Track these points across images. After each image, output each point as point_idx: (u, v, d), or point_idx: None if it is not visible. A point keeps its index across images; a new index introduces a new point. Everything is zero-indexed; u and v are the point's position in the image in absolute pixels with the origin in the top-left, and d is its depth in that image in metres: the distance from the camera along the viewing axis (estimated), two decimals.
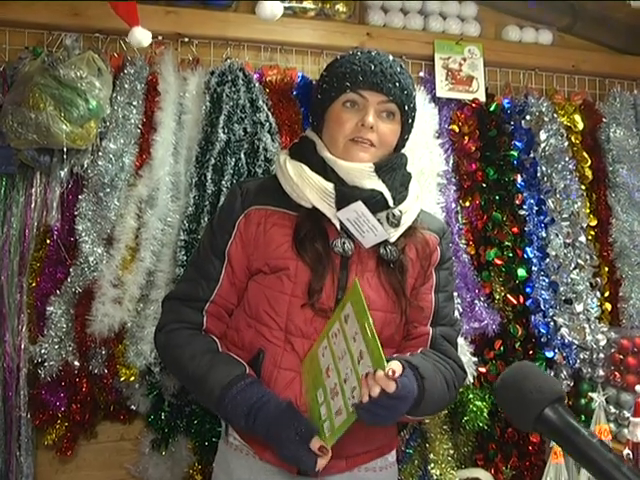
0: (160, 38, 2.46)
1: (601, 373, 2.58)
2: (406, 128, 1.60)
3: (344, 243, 1.50)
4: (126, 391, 2.35)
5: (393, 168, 1.56)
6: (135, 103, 2.33)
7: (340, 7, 2.82)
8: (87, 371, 2.26)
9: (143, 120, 2.35)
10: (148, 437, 2.41)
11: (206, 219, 2.29)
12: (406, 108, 1.56)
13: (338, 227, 1.51)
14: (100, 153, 2.26)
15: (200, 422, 2.35)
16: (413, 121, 1.62)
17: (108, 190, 2.24)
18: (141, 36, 2.09)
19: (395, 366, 1.28)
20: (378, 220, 1.50)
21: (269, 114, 2.46)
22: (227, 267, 1.57)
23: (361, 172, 1.51)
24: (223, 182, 2.33)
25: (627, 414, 2.47)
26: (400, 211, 1.54)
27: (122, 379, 2.26)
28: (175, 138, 2.38)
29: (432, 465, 2.58)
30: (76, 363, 2.23)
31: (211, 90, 2.40)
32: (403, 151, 1.65)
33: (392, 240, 1.54)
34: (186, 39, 2.54)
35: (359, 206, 1.47)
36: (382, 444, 1.62)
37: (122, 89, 2.32)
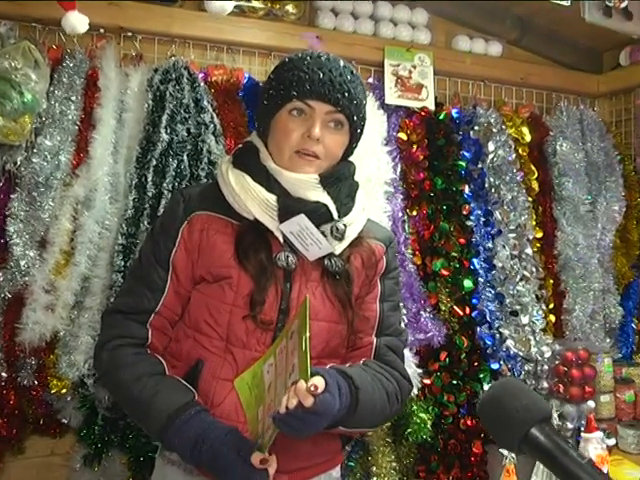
0: (101, 31, 2.35)
1: (545, 385, 2.60)
2: (354, 137, 1.57)
3: (287, 257, 1.47)
4: (57, 404, 2.23)
5: (339, 179, 1.53)
6: (73, 98, 2.21)
7: (290, 8, 2.76)
8: (15, 382, 2.15)
9: (81, 116, 2.24)
10: (80, 452, 2.28)
11: (146, 223, 2.20)
12: (355, 118, 1.53)
13: (281, 240, 1.48)
14: (34, 150, 2.14)
15: (135, 436, 2.24)
16: (362, 130, 1.59)
17: (42, 190, 2.12)
18: (76, 21, 1.98)
19: (318, 382, 1.23)
20: (322, 233, 1.47)
21: (214, 115, 2.39)
22: (172, 276, 1.52)
23: (305, 183, 1.48)
24: (164, 184, 2.24)
25: (570, 425, 2.49)
26: (344, 225, 1.51)
27: (53, 391, 2.15)
28: (115, 137, 2.28)
29: (374, 478, 2.55)
30: (3, 374, 2.12)
31: (154, 88, 2.30)
32: (351, 158, 1.62)
33: (337, 252, 1.51)
34: (129, 33, 2.43)
35: (302, 219, 1.44)
36: (326, 459, 1.58)
37: (60, 83, 2.20)
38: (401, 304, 2.40)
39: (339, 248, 1.51)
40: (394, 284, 1.66)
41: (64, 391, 2.16)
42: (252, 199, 1.47)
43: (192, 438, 1.33)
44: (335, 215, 1.49)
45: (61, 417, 2.24)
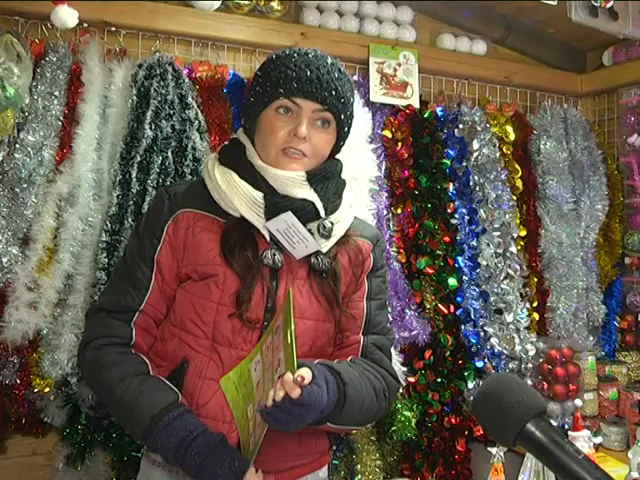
0: (85, 25, 2.32)
1: (529, 383, 2.60)
2: (342, 135, 1.56)
3: (274, 255, 1.45)
4: (40, 403, 2.19)
5: (326, 177, 1.52)
6: (57, 93, 2.18)
7: (275, 5, 2.74)
8: None
9: (65, 112, 2.21)
10: (62, 451, 2.25)
11: (130, 220, 2.18)
12: (342, 117, 1.51)
13: (267, 238, 1.46)
14: (17, 145, 2.10)
15: (119, 435, 2.22)
16: (350, 128, 1.57)
17: (25, 186, 2.08)
18: (66, 15, 1.94)
19: (305, 373, 1.23)
20: (309, 230, 1.46)
21: (198, 112, 2.37)
22: (157, 274, 1.49)
23: (292, 181, 1.46)
24: (149, 181, 2.22)
25: (554, 423, 2.50)
26: (331, 222, 1.49)
27: (36, 390, 2.12)
28: (99, 132, 2.25)
29: (359, 476, 2.55)
30: None
31: (138, 84, 2.28)
32: (337, 156, 1.61)
33: (324, 250, 1.50)
34: (113, 28, 2.40)
35: (289, 217, 1.43)
36: (313, 459, 1.57)
37: (43, 78, 2.17)
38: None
39: (326, 246, 1.50)
40: (381, 282, 1.64)
41: (47, 390, 2.12)
42: (238, 196, 1.45)
43: (176, 440, 1.32)
44: (322, 213, 1.47)
45: (44, 416, 2.20)
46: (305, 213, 1.45)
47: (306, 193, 1.46)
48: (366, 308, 1.59)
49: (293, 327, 1.21)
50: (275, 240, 1.46)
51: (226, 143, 1.61)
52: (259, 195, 1.45)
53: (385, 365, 1.57)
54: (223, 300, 1.43)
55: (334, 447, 2.19)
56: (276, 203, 1.44)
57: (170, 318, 1.51)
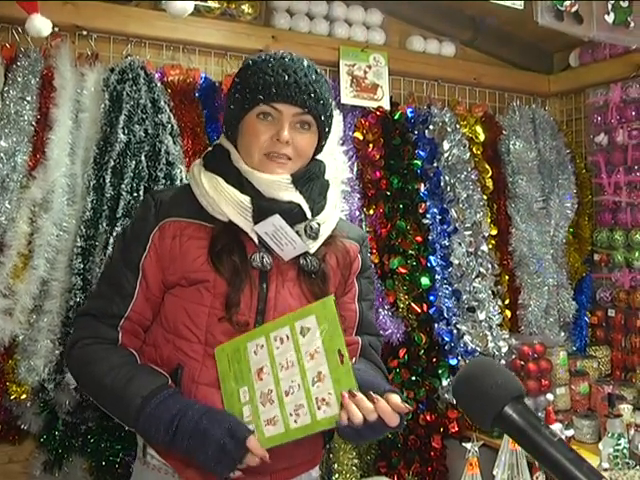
0: (56, 30, 2.27)
1: None
2: (323, 135, 1.56)
3: (262, 257, 1.45)
4: (16, 410, 2.18)
5: (311, 178, 1.52)
6: (29, 98, 2.16)
7: (246, 8, 2.75)
8: None
9: (37, 117, 2.19)
10: (40, 458, 2.24)
11: (104, 224, 2.17)
12: (322, 118, 1.51)
13: (256, 241, 1.46)
14: None
15: (97, 440, 2.21)
16: (330, 128, 1.58)
17: None
18: (41, 25, 1.93)
19: (401, 402, 1.26)
20: (296, 232, 1.46)
21: (171, 116, 2.36)
22: (142, 282, 1.48)
23: (278, 184, 1.47)
24: (123, 186, 2.21)
25: None
26: (318, 223, 1.49)
27: (12, 397, 2.10)
28: (72, 137, 2.24)
29: (336, 475, 2.57)
30: None
31: (110, 88, 2.27)
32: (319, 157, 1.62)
33: (312, 251, 1.51)
34: (84, 32, 2.40)
35: (277, 219, 1.43)
36: (307, 459, 1.56)
37: (14, 83, 2.15)
38: None
39: (314, 247, 1.50)
40: (369, 283, 1.66)
41: (24, 397, 2.11)
42: (226, 201, 1.46)
43: (167, 419, 1.31)
44: (308, 214, 1.48)
45: (20, 423, 2.19)
46: (292, 215, 1.45)
47: (292, 195, 1.47)
48: (358, 309, 1.60)
49: (347, 351, 1.23)
50: (263, 243, 1.46)
51: (210, 149, 1.61)
52: (246, 199, 1.45)
53: (382, 367, 1.60)
54: (215, 304, 1.44)
55: (327, 445, 2.21)
56: (263, 206, 1.45)
57: (162, 324, 1.50)
